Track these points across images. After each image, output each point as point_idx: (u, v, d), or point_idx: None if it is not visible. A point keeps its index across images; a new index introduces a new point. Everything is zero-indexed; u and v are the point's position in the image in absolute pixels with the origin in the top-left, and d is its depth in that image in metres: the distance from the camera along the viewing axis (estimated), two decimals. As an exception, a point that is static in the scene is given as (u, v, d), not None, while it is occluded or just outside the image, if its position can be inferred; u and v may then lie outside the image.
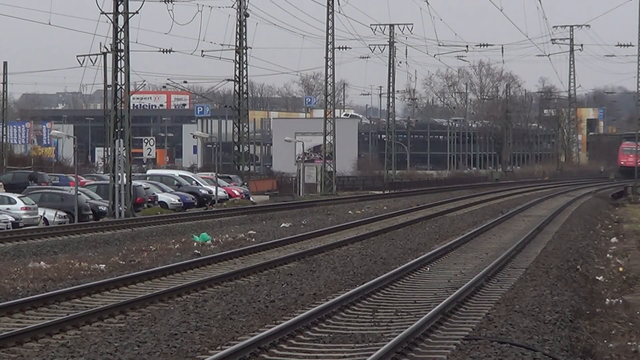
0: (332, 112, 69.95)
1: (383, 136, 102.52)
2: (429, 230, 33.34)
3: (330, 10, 66.50)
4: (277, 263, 22.98)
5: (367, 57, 79.31)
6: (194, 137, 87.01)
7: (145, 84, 77.29)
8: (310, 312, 15.47)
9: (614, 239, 31.44)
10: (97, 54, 60.16)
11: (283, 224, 36.63)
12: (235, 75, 63.08)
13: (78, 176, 44.56)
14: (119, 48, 42.28)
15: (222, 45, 62.51)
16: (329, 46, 67.16)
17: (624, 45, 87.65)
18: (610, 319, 16.65)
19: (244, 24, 62.32)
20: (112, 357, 12.72)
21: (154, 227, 35.46)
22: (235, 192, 57.52)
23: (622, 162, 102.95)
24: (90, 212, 40.81)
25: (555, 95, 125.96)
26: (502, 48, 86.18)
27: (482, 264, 23.23)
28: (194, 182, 56.86)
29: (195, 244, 28.74)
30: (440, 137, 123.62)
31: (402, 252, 25.95)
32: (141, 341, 13.58)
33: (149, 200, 46.87)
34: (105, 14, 42.13)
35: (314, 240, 29.78)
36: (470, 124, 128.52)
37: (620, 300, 18.41)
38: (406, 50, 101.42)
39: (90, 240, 30.18)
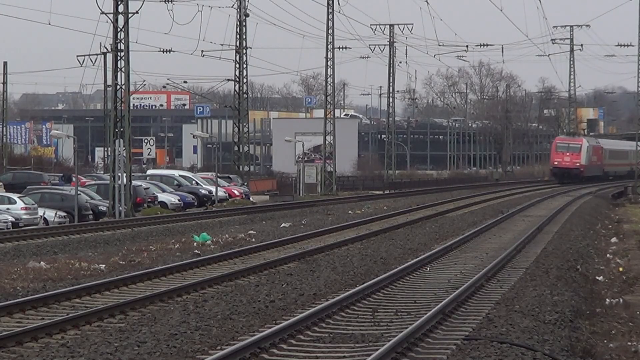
0: (332, 112, 69.94)
1: (383, 136, 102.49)
2: (429, 230, 33.33)
3: (330, 10, 66.51)
4: (277, 263, 22.97)
5: (367, 57, 79.29)
6: (194, 137, 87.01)
7: (145, 84, 77.29)
8: (310, 312, 15.47)
9: (614, 239, 31.40)
10: (97, 54, 60.23)
11: (283, 224, 36.62)
12: (235, 75, 63.09)
13: (78, 176, 44.54)
14: (119, 48, 42.27)
15: (222, 45, 62.54)
16: (329, 46, 67.17)
17: (624, 45, 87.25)
18: (611, 319, 16.64)
19: (244, 24, 62.33)
20: (112, 357, 12.72)
21: (154, 227, 35.45)
22: (235, 192, 57.52)
23: (555, 163, 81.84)
24: (90, 212, 40.81)
25: (555, 95, 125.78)
26: (502, 48, 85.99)
27: (482, 264, 23.23)
28: (194, 182, 56.86)
29: (195, 244, 28.73)
30: (440, 137, 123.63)
31: (402, 252, 25.94)
32: (141, 341, 13.57)
33: (149, 200, 46.86)
34: (105, 14, 42.15)
35: (314, 240, 29.76)
36: (470, 124, 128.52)
37: (621, 300, 18.40)
38: (406, 50, 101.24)
39: (90, 240, 30.17)
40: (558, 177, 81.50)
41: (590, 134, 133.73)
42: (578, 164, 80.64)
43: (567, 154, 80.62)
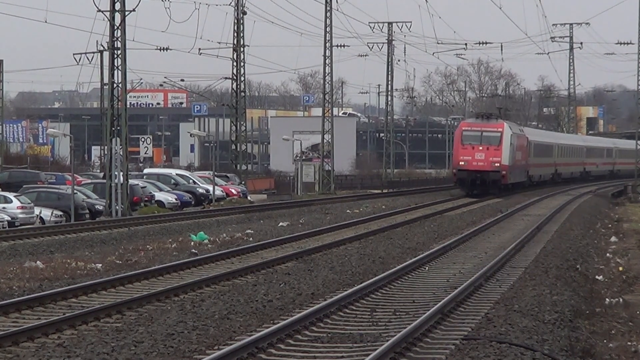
0: (330, 111, 69.86)
1: (381, 135, 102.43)
2: (427, 229, 33.22)
3: (328, 8, 66.42)
4: (274, 262, 22.88)
5: (365, 55, 79.22)
6: (191, 135, 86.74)
7: (142, 82, 77.24)
8: (308, 312, 15.39)
9: (613, 238, 31.30)
10: (93, 52, 60.24)
11: (281, 223, 36.49)
12: (233, 73, 62.98)
13: (74, 175, 44.42)
14: (115, 46, 42.14)
15: (219, 43, 62.68)
16: (327, 44, 67.07)
17: (624, 43, 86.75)
18: (610, 318, 16.60)
19: (241, 21, 62.21)
20: (109, 357, 12.66)
21: (151, 226, 35.34)
22: (233, 191, 57.44)
23: (461, 163, 52.99)
24: (87, 211, 40.68)
25: (555, 94, 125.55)
26: (501, 46, 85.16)
27: (481, 263, 23.15)
28: (191, 181, 56.79)
29: (192, 243, 28.62)
30: (439, 135, 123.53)
31: (400, 252, 25.86)
32: (138, 341, 13.52)
33: (146, 199, 46.73)
34: (102, 11, 42.03)
35: (312, 239, 29.66)
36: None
37: (620, 300, 18.34)
38: (405, 48, 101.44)
39: (87, 240, 30.05)
40: (466, 184, 53.83)
41: (590, 132, 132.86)
42: (498, 165, 52.43)
43: (481, 148, 52.36)
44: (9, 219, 35.62)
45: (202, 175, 61.03)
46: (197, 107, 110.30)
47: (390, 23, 79.04)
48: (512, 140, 53.85)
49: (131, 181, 44.53)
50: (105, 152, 46.76)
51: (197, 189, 54.28)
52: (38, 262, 23.00)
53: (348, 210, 44.79)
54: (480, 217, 39.49)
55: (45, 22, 49.10)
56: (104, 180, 43.76)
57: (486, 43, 79.73)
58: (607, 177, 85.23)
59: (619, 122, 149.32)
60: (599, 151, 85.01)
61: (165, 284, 19.69)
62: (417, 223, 36.08)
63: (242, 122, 64.12)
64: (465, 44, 78.53)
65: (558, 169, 70.78)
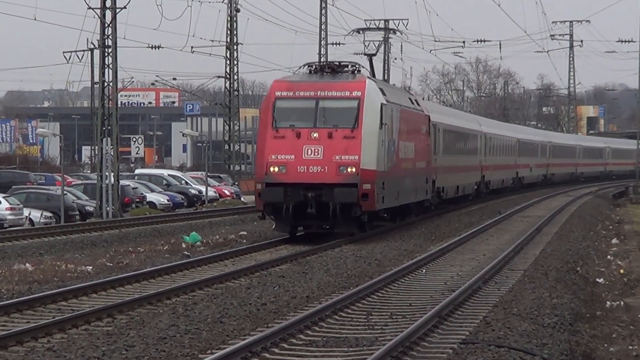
0: (323, 111, 69.54)
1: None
2: (424, 230, 33.02)
3: (323, 5, 66.32)
4: (268, 265, 22.69)
5: (361, 54, 78.91)
6: (183, 135, 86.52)
7: (133, 81, 77.03)
8: (303, 316, 15.21)
9: (614, 240, 31.09)
10: (84, 50, 60.08)
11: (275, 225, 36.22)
12: (226, 71, 62.79)
13: (64, 175, 44.14)
14: (106, 44, 41.85)
15: (212, 41, 62.45)
16: (322, 42, 66.92)
17: (625, 41, 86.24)
18: (611, 322, 16.45)
19: (234, 19, 62.02)
20: (99, 361, 12.44)
21: (143, 227, 35.14)
22: (226, 191, 57.25)
23: (271, 168, 26.55)
24: (77, 212, 40.42)
25: (555, 93, 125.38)
26: (500, 44, 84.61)
27: (480, 265, 22.97)
28: (183, 181, 56.60)
29: (184, 245, 28.39)
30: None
31: (397, 254, 25.65)
32: (129, 345, 13.33)
33: (137, 200, 46.48)
34: (93, 9, 41.70)
35: (307, 241, 29.40)
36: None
37: (621, 303, 18.17)
38: (401, 46, 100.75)
39: (77, 242, 29.82)
40: (283, 215, 27.36)
41: (591, 132, 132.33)
42: (353, 171, 26.74)
43: (315, 135, 26.86)
44: (-2, 220, 35.33)
45: (194, 175, 60.87)
46: (189, 107, 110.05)
47: (386, 20, 78.79)
48: (387, 118, 28.41)
49: (122, 182, 44.25)
50: (96, 153, 46.44)
51: (190, 189, 54.08)
52: (27, 264, 22.81)
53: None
54: (478, 218, 39.31)
55: (35, 19, 48.71)
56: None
57: (484, 41, 79.19)
58: (539, 184, 66.91)
59: (620, 121, 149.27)
60: (533, 148, 64.11)
61: (157, 286, 19.48)
62: (414, 224, 35.84)
63: (235, 122, 63.93)
64: (463, 42, 78.16)
65: (486, 175, 47.69)
